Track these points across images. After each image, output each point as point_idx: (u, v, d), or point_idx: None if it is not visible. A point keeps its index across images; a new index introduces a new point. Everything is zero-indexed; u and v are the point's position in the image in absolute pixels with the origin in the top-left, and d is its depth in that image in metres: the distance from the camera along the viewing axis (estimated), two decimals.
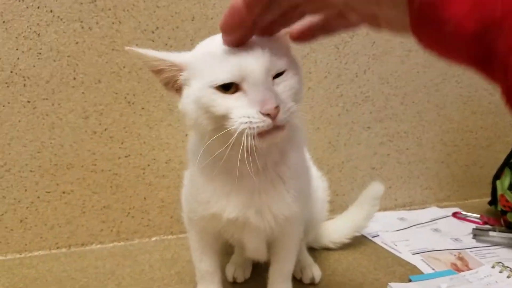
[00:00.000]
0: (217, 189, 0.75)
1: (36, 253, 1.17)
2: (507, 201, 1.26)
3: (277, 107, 0.60)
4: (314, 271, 1.05)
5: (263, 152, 0.69)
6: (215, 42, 0.65)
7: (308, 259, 1.09)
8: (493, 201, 1.35)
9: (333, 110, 1.36)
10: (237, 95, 0.63)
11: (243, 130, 0.61)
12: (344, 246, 1.20)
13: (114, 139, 1.16)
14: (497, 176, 1.33)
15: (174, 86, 0.70)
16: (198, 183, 0.77)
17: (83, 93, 1.11)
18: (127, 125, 1.16)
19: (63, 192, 1.16)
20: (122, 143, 1.17)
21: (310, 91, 1.32)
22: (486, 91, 1.50)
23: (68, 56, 1.08)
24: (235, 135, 0.62)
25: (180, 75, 0.68)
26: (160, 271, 1.08)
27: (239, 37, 0.59)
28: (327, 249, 1.20)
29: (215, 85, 0.62)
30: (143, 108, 1.16)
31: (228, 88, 0.62)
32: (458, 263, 1.11)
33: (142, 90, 1.15)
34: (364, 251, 1.21)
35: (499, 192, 1.30)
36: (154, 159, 1.22)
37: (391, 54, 1.37)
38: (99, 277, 1.05)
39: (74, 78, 1.09)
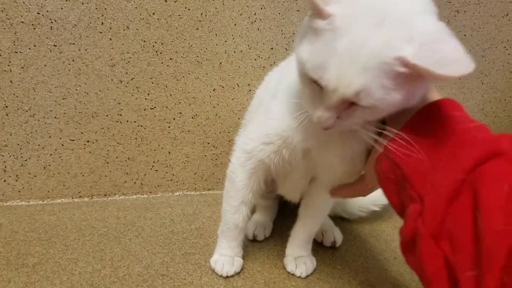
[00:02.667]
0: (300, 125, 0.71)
1: (58, 201, 1.17)
2: None
3: (327, 128, 0.60)
4: (336, 235, 1.03)
5: None
6: None
7: (329, 221, 1.07)
8: None
9: None
10: (318, 89, 0.57)
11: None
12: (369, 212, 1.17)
13: (140, 89, 1.13)
14: None
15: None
16: (283, 113, 0.74)
17: (110, 39, 1.07)
18: (153, 76, 1.13)
19: (87, 141, 1.15)
20: (148, 94, 1.14)
21: None
22: None
23: None
24: None
25: (317, 21, 0.54)
26: (180, 225, 1.07)
27: None
28: (342, 218, 1.17)
29: (305, 71, 0.57)
30: (171, 59, 1.13)
31: None
32: None
33: (170, 40, 1.11)
34: (389, 218, 1.19)
35: None
36: (180, 113, 1.19)
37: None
38: (119, 227, 1.04)
39: (102, 23, 1.06)
